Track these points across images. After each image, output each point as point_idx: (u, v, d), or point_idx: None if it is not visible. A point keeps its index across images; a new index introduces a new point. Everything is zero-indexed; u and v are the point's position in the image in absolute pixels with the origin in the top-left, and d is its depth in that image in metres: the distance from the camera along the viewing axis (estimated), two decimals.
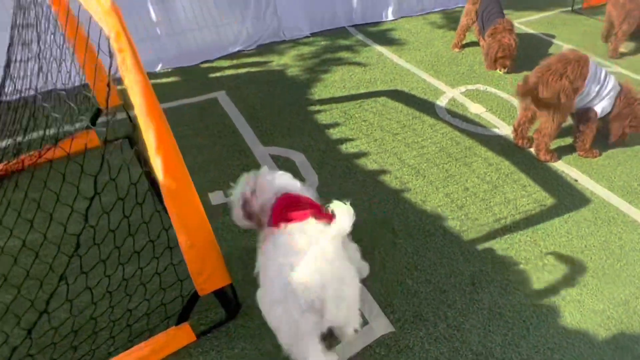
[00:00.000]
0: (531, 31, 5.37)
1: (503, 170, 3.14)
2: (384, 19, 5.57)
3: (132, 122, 1.56)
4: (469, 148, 3.34)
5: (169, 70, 4.18)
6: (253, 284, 1.98)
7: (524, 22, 5.61)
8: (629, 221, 2.77)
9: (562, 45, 4.99)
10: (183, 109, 3.59)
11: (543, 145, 3.16)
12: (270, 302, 1.59)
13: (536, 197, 2.92)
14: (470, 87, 4.16)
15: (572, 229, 2.70)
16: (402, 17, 5.66)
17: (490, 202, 2.86)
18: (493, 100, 3.95)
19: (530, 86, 2.97)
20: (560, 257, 2.51)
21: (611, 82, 3.08)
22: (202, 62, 4.33)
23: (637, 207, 2.88)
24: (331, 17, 5.23)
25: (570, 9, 6.04)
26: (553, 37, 5.21)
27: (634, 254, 2.56)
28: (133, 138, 2.52)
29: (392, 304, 2.20)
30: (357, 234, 2.56)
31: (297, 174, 2.98)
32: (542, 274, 2.40)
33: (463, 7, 5.98)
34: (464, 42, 4.80)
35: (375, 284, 2.29)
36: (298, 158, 3.14)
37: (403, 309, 2.18)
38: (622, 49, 4.75)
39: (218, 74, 4.16)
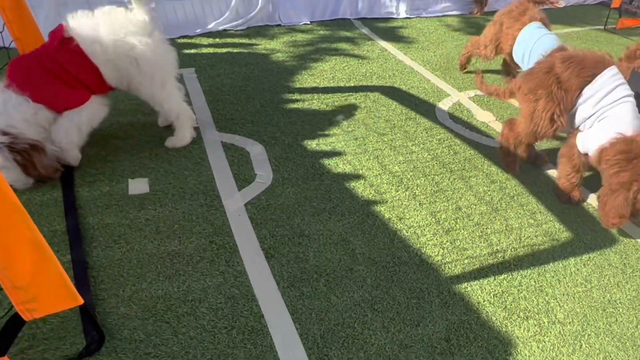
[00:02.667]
0: None
1: (508, 191, 2.43)
2: (394, 16, 4.91)
3: None
4: (468, 160, 2.64)
5: None
6: (143, 307, 1.61)
7: None
8: None
9: None
10: None
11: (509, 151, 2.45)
12: None
13: (547, 228, 2.21)
14: (480, 92, 3.46)
15: (592, 275, 1.97)
16: (416, 16, 5.00)
17: (486, 229, 2.16)
18: (505, 109, 3.25)
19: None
20: (575, 314, 1.78)
21: (615, 113, 2.09)
22: (179, 37, 3.74)
23: None
24: (336, 6, 4.60)
25: (603, 27, 5.31)
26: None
27: None
28: None
29: (326, 358, 1.52)
30: (303, 249, 1.93)
31: (249, 168, 2.34)
32: (547, 336, 1.69)
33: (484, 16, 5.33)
34: None
35: (309, 324, 1.61)
36: (255, 150, 2.49)
37: None
38: None
39: (193, 51, 3.56)
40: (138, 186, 2.12)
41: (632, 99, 2.14)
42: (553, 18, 5.40)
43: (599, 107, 2.13)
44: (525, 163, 2.58)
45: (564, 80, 2.15)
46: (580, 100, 2.18)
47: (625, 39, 5.00)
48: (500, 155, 2.53)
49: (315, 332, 1.59)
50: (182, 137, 2.41)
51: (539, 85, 2.19)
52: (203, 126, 2.62)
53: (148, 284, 1.68)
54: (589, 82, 2.14)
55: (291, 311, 1.65)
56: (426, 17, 5.04)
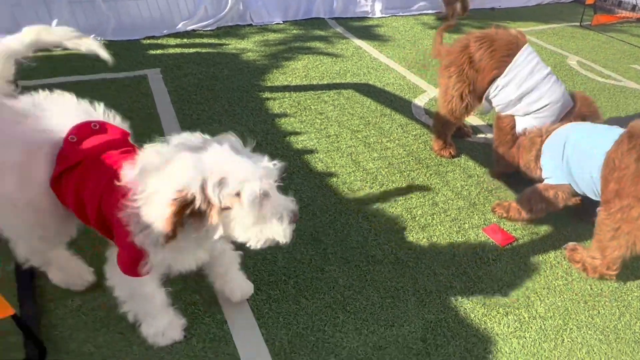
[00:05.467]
0: (535, 39, 4.73)
1: (485, 185, 2.41)
2: (370, 15, 4.94)
3: None
4: None
5: (101, 42, 3.49)
6: (94, 317, 1.52)
7: (529, 32, 4.99)
8: None
9: (567, 56, 4.36)
10: (98, 84, 2.90)
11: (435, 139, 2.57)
12: None
13: None
14: None
15: (573, 268, 1.95)
16: (391, 15, 5.04)
17: (464, 224, 2.13)
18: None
19: None
20: (556, 308, 1.76)
21: (549, 95, 2.12)
22: (145, 38, 3.67)
23: None
24: (309, 5, 4.60)
25: (578, 24, 5.45)
26: (559, 47, 4.58)
27: None
28: None
29: None
30: (271, 251, 1.87)
31: None
32: (527, 331, 1.65)
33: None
34: None
35: (275, 329, 1.54)
36: None
37: None
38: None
39: (159, 51, 3.48)
40: None
41: (553, 76, 2.18)
42: (529, 16, 5.55)
43: (523, 89, 2.13)
44: (454, 136, 2.62)
45: (476, 60, 2.17)
46: (502, 82, 2.16)
47: (601, 34, 5.14)
48: (433, 130, 2.61)
49: (282, 337, 1.52)
50: None
51: (453, 63, 2.25)
52: (168, 127, 2.54)
53: (102, 291, 1.59)
54: (504, 63, 2.13)
55: (257, 316, 1.58)
56: (402, 15, 5.08)
